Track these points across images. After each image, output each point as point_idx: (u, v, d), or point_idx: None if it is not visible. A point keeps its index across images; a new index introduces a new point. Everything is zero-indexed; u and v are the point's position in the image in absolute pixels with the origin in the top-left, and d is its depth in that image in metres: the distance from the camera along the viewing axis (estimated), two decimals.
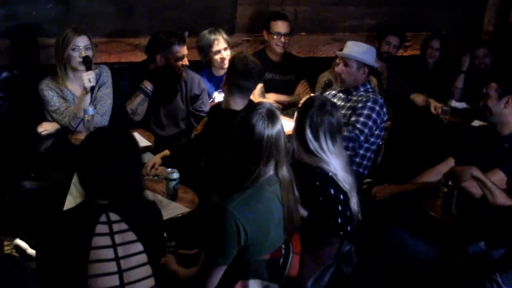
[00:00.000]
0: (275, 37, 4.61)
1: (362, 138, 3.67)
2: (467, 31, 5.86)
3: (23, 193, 3.64)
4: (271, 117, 2.40)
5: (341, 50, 3.91)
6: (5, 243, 3.31)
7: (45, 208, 3.34)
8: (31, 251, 3.35)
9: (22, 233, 3.49)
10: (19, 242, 3.40)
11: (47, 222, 2.23)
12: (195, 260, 2.54)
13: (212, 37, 4.20)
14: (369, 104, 3.71)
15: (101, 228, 2.13)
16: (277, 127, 2.41)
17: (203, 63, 4.34)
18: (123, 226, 2.17)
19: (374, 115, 3.69)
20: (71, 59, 3.62)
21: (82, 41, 3.61)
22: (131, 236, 2.17)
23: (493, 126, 3.39)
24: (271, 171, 2.44)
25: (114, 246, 2.13)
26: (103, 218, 2.14)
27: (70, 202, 3.33)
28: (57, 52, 3.64)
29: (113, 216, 2.16)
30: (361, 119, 3.68)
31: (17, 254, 3.25)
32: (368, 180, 3.62)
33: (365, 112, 3.69)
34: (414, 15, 5.64)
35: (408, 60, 5.48)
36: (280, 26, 4.61)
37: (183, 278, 2.51)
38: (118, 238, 2.15)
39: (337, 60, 3.97)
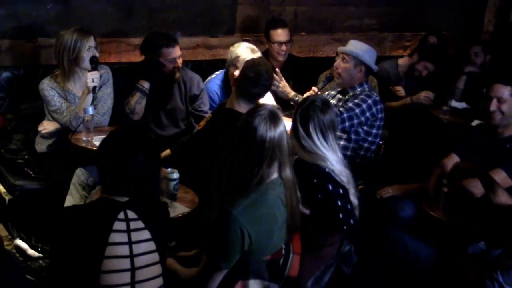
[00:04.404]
0: (276, 46, 4.56)
1: (345, 116, 3.63)
2: (467, 31, 5.86)
3: (23, 193, 3.64)
4: (273, 118, 2.40)
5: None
6: (5, 243, 3.31)
7: (45, 208, 3.35)
8: (32, 252, 3.35)
9: (22, 233, 3.51)
10: (19, 242, 3.40)
11: (65, 214, 2.27)
12: (194, 260, 2.54)
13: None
14: (361, 96, 3.74)
15: (119, 225, 2.15)
16: (280, 129, 2.41)
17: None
18: (140, 224, 2.19)
19: (364, 106, 3.69)
20: (83, 60, 3.60)
21: (92, 42, 3.62)
22: (146, 234, 2.19)
23: (493, 127, 3.38)
24: (275, 173, 2.44)
25: (130, 243, 2.15)
26: (121, 215, 2.16)
27: (70, 202, 3.35)
28: (63, 54, 3.57)
29: (131, 214, 2.18)
30: (350, 104, 3.71)
31: (17, 254, 3.25)
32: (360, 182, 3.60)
33: (356, 101, 3.72)
34: (414, 15, 5.64)
35: None
36: (281, 35, 4.54)
37: (183, 278, 2.51)
38: (134, 236, 2.16)
39: (336, 58, 3.97)
